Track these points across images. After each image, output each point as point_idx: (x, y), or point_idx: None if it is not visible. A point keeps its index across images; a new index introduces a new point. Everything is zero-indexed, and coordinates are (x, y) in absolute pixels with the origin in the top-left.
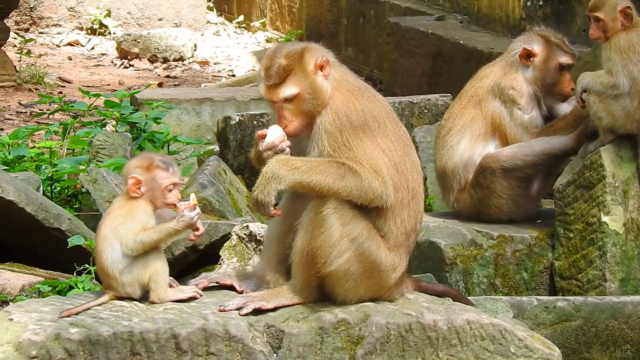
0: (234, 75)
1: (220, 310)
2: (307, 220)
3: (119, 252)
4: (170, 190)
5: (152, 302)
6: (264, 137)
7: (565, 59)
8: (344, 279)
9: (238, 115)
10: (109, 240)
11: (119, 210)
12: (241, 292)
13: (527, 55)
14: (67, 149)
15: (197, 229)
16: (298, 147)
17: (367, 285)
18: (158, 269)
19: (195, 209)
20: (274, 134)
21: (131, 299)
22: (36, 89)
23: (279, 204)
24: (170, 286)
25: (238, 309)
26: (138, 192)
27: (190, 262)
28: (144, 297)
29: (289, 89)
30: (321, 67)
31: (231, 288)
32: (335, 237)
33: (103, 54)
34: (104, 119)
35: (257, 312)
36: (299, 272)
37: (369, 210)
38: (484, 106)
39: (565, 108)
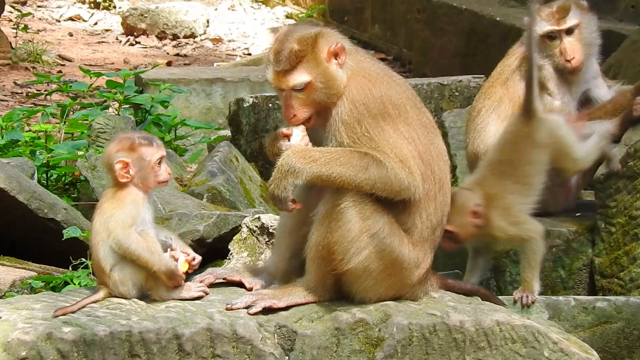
0: (249, 54)
1: (227, 309)
2: (324, 213)
3: (110, 247)
4: (159, 165)
5: (154, 301)
6: (287, 136)
7: (544, 28)
8: (363, 277)
9: (252, 97)
10: (100, 234)
11: (108, 202)
12: (250, 289)
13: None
14: (65, 132)
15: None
16: (313, 138)
17: (389, 283)
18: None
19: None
20: (298, 136)
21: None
22: (33, 68)
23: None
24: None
25: (247, 307)
26: (128, 175)
27: None
28: (145, 295)
29: (299, 77)
30: (335, 55)
31: (240, 285)
32: (354, 232)
33: (107, 30)
34: (105, 101)
35: (267, 311)
36: (314, 269)
37: (392, 203)
38: (510, 86)
39: (603, 94)
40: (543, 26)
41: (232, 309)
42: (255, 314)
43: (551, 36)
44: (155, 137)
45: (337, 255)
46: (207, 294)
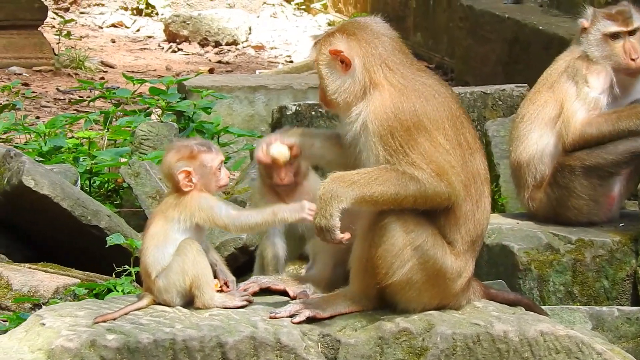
0: (291, 62)
1: (270, 317)
2: (367, 227)
3: (163, 253)
4: (220, 170)
5: (197, 309)
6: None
7: (610, 28)
8: (407, 288)
9: (295, 104)
10: (156, 239)
11: (172, 209)
12: (294, 298)
13: (582, 30)
14: (108, 139)
15: None
16: (341, 128)
17: (432, 293)
18: (199, 274)
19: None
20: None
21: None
22: (76, 74)
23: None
24: (222, 289)
25: (291, 316)
26: (191, 184)
27: (240, 264)
28: (190, 303)
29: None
30: (341, 60)
31: (284, 293)
32: (398, 246)
33: (149, 37)
34: (148, 108)
35: (311, 320)
36: (358, 281)
37: (434, 215)
38: (557, 88)
39: None
40: (608, 26)
41: (275, 318)
42: (299, 323)
43: (615, 36)
44: (211, 142)
45: (381, 269)
46: (250, 302)
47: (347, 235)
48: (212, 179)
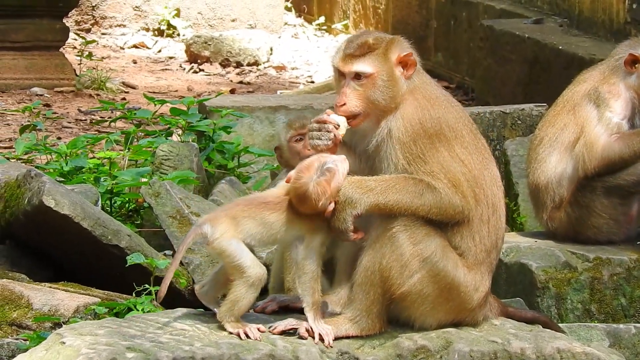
0: (312, 82)
1: (270, 331)
2: (374, 238)
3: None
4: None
5: (218, 327)
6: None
7: None
8: (419, 302)
9: None
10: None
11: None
12: None
13: (633, 61)
14: (129, 159)
15: None
16: (361, 143)
17: (447, 308)
18: (239, 296)
19: None
20: (344, 126)
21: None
22: (97, 95)
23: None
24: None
25: (288, 330)
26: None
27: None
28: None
29: (364, 66)
30: (404, 64)
31: (303, 311)
32: (406, 257)
33: (171, 58)
34: (169, 128)
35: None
36: (361, 295)
37: (444, 226)
38: (578, 111)
39: None
40: None
41: (274, 332)
42: (301, 337)
43: None
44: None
45: (388, 281)
46: (261, 333)
47: (359, 235)
48: None
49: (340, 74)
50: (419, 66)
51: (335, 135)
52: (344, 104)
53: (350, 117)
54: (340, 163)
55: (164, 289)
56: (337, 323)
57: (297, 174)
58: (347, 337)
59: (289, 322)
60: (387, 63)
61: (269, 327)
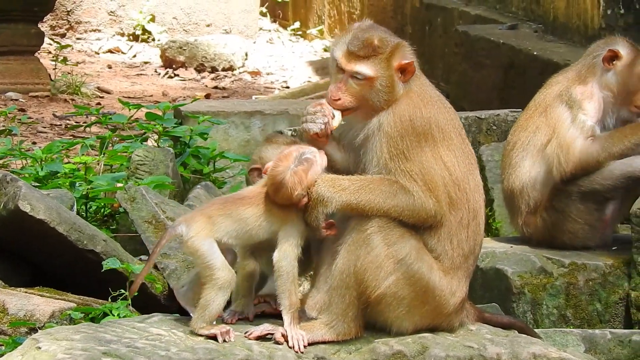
0: (288, 87)
1: (246, 336)
2: (349, 240)
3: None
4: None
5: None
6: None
7: None
8: (394, 305)
9: (291, 130)
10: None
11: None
12: None
13: (612, 57)
14: (104, 164)
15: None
16: (349, 134)
17: (423, 312)
18: (209, 300)
19: None
20: (338, 120)
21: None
22: (72, 100)
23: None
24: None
25: (264, 335)
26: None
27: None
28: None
29: (366, 68)
30: (402, 70)
31: (280, 316)
32: (380, 258)
33: (146, 62)
34: (144, 133)
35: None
36: (337, 299)
37: (420, 229)
38: (549, 113)
39: None
40: None
41: (250, 337)
42: (277, 342)
43: None
44: (299, 149)
45: (363, 283)
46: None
47: (332, 232)
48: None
49: (339, 68)
50: (418, 70)
51: (328, 121)
52: (339, 99)
53: (342, 110)
54: (318, 154)
55: (136, 285)
56: (313, 328)
57: (275, 163)
58: (324, 342)
59: (264, 328)
60: (388, 69)
61: (245, 333)
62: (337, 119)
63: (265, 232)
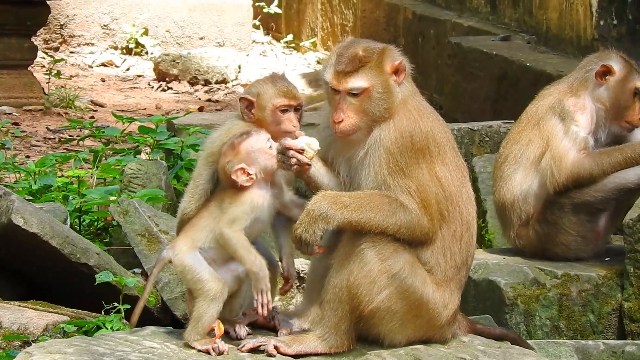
0: None
1: (239, 349)
2: (343, 255)
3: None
4: (269, 144)
5: (186, 345)
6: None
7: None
8: (387, 318)
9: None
10: None
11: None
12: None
13: (604, 72)
14: (97, 178)
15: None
16: (348, 152)
17: (416, 325)
18: (201, 312)
19: None
20: (314, 142)
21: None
22: (66, 114)
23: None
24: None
25: (256, 347)
26: (252, 177)
27: None
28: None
29: (359, 81)
30: (396, 71)
31: (273, 329)
32: (374, 273)
33: (139, 76)
34: (137, 146)
35: (272, 354)
36: (329, 312)
37: (413, 243)
38: (542, 125)
39: (637, 137)
40: (636, 80)
41: (243, 350)
42: (249, 350)
43: (637, 93)
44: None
45: (356, 298)
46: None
47: (321, 249)
48: (267, 158)
49: (333, 91)
50: (409, 70)
51: (298, 160)
52: (342, 121)
53: (347, 134)
54: (262, 132)
55: (136, 317)
56: (306, 340)
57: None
58: (316, 355)
59: (257, 340)
60: (381, 75)
61: (237, 346)
62: (314, 145)
63: (223, 222)
